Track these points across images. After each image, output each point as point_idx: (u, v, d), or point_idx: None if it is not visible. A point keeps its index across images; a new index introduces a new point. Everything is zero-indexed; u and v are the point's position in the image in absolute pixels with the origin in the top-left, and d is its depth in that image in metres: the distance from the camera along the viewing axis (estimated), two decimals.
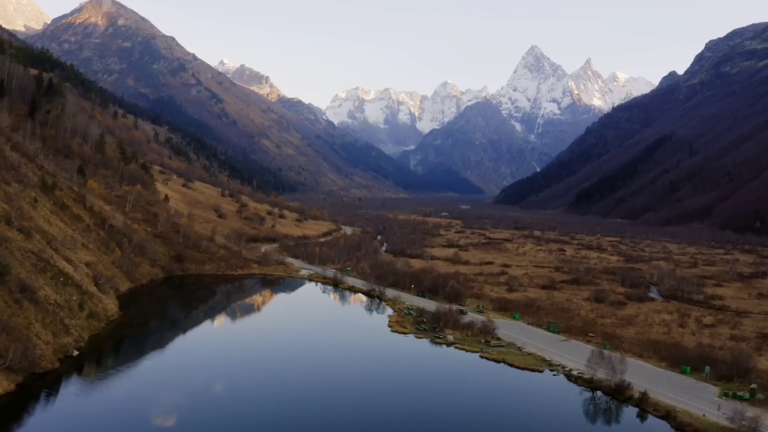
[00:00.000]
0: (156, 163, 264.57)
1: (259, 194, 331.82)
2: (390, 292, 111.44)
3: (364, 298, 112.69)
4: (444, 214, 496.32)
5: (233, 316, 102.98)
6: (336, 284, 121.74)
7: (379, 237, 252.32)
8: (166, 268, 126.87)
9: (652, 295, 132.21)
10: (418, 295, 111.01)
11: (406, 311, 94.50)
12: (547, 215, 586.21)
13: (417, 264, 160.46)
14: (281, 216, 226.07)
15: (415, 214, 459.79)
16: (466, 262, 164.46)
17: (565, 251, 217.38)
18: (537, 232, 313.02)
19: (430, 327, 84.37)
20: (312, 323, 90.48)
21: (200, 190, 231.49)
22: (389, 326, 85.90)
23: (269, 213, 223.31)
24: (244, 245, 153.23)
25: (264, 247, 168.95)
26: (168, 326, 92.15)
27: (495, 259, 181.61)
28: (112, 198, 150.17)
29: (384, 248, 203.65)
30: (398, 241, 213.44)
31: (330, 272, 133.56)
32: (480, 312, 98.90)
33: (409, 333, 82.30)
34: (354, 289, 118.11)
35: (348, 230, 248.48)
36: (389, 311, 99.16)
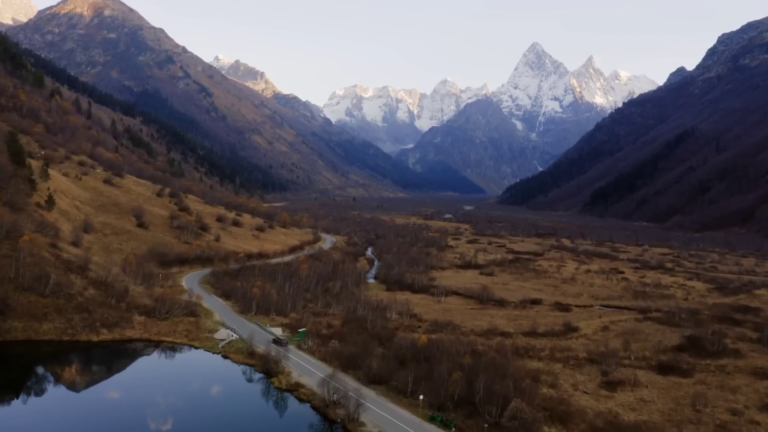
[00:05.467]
0: (83, 153, 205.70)
1: (221, 192, 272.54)
2: (373, 410, 51.35)
3: (315, 418, 52.48)
4: (448, 216, 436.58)
5: None
6: (269, 373, 61.39)
7: (369, 250, 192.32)
8: None
9: None
10: (431, 420, 51.00)
11: None
12: (561, 217, 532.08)
13: (423, 305, 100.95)
14: (236, 223, 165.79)
15: (415, 216, 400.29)
16: (501, 303, 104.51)
17: (624, 273, 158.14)
18: (566, 241, 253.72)
19: None
20: None
21: (128, 188, 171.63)
22: None
23: (219, 219, 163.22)
24: (136, 278, 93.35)
25: (185, 277, 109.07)
26: None
27: (538, 290, 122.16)
28: None
29: (373, 273, 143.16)
30: (394, 259, 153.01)
31: (271, 334, 74.16)
32: None
33: None
34: (299, 394, 57.18)
35: (328, 241, 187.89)
36: None
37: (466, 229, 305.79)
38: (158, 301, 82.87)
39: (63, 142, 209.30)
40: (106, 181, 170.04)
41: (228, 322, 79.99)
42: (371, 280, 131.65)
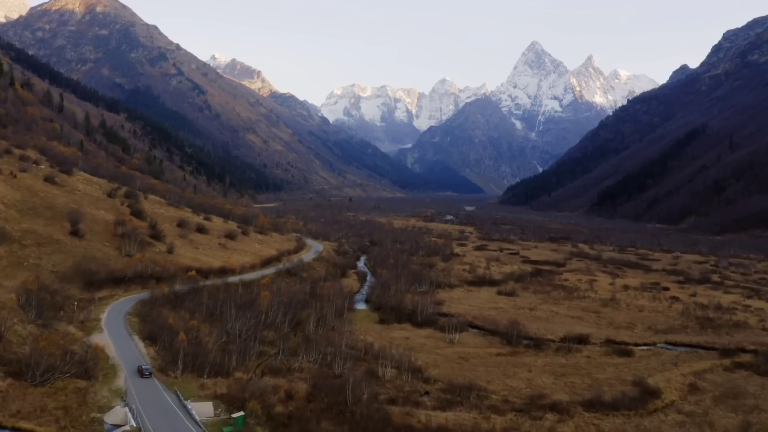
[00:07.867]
0: (33, 147, 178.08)
1: (207, 192, 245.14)
2: None
3: None
4: (449, 217, 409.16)
5: None
6: None
7: (361, 261, 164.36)
8: None
9: None
10: None
11: None
12: (567, 218, 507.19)
13: (429, 348, 73.39)
14: (200, 229, 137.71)
15: (414, 218, 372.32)
16: (535, 343, 75.92)
17: (669, 289, 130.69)
18: (585, 246, 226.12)
19: None
20: None
21: (72, 187, 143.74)
22: None
23: (180, 224, 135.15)
24: (29, 311, 65.50)
25: (112, 306, 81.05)
26: None
27: (577, 317, 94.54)
28: None
29: (364, 293, 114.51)
30: (391, 274, 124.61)
31: (190, 419, 46.41)
32: None
33: None
34: None
35: (314, 249, 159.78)
36: None
37: (471, 233, 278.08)
38: (35, 355, 54.83)
39: (11, 135, 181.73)
40: (48, 179, 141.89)
41: (134, 389, 52.20)
42: (361, 306, 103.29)
